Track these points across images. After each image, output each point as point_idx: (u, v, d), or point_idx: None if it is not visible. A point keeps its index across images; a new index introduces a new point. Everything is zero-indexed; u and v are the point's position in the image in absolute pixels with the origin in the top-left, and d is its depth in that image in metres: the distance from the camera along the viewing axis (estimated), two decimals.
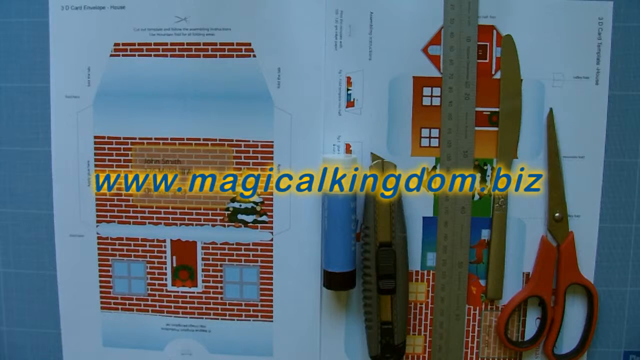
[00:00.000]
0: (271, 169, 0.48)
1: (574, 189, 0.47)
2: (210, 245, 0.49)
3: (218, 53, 0.47)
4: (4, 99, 0.50)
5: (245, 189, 0.49)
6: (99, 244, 0.50)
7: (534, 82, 0.46)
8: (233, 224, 0.49)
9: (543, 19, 0.46)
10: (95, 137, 0.49)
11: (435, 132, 0.47)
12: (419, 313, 0.49)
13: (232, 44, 0.47)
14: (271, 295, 0.49)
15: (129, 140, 0.49)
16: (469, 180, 0.47)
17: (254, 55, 0.47)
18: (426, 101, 0.47)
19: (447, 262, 0.48)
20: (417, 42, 0.46)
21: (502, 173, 0.47)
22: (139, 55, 0.48)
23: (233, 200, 0.49)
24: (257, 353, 0.50)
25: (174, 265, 0.50)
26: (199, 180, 0.49)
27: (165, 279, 0.50)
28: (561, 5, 0.46)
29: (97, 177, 0.49)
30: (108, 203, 0.50)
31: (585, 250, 0.48)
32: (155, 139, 0.49)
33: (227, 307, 0.50)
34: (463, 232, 0.47)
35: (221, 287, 0.50)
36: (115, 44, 0.48)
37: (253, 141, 0.48)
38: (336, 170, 0.45)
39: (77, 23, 0.48)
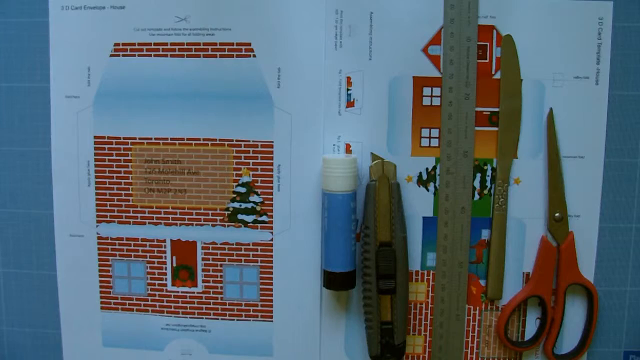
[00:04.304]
0: (271, 169, 0.48)
1: (574, 189, 0.47)
2: (210, 245, 0.49)
3: (218, 53, 0.47)
4: (4, 99, 0.50)
5: (245, 189, 0.49)
6: (99, 244, 0.50)
7: (534, 82, 0.46)
8: (233, 224, 0.49)
9: (543, 19, 0.46)
10: (95, 137, 0.49)
11: (435, 132, 0.47)
12: (419, 313, 0.49)
13: (232, 44, 0.47)
14: (271, 295, 0.49)
15: (129, 140, 0.49)
16: (469, 180, 0.47)
17: (254, 55, 0.47)
18: (426, 101, 0.47)
19: (447, 262, 0.48)
20: (417, 42, 0.46)
21: (502, 173, 0.47)
22: (139, 55, 0.48)
23: (233, 200, 0.49)
24: (257, 353, 0.50)
25: (174, 265, 0.50)
26: (199, 180, 0.49)
27: (165, 279, 0.50)
28: (561, 5, 0.46)
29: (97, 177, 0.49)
30: (108, 203, 0.50)
31: (585, 250, 0.48)
32: (155, 139, 0.49)
33: (227, 307, 0.50)
34: (463, 232, 0.47)
35: (221, 287, 0.50)
36: (115, 44, 0.48)
37: (253, 141, 0.48)
38: (336, 170, 0.45)
39: (77, 23, 0.48)
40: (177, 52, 0.47)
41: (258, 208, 0.49)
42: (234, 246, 0.49)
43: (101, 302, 0.51)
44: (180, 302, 0.50)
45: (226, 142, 0.48)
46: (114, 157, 0.49)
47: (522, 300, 0.48)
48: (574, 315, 0.48)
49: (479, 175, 0.47)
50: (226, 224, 0.49)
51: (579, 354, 0.48)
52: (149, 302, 0.51)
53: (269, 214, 0.49)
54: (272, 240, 0.49)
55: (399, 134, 0.47)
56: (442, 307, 0.48)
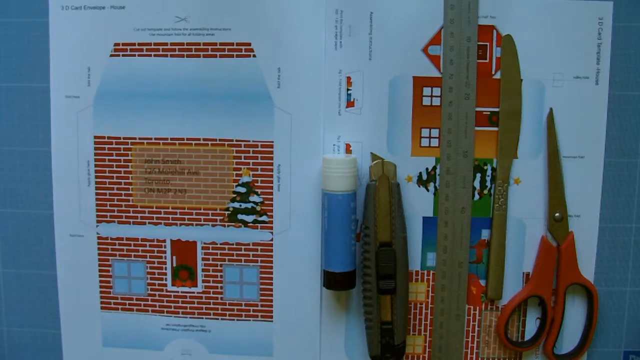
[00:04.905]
0: (271, 169, 0.48)
1: (574, 189, 0.47)
2: (210, 245, 0.49)
3: (218, 53, 0.47)
4: (4, 99, 0.50)
5: (245, 189, 0.49)
6: (99, 244, 0.50)
7: (534, 82, 0.46)
8: (233, 224, 0.49)
9: (543, 19, 0.46)
10: (95, 137, 0.49)
11: (435, 132, 0.47)
12: (419, 313, 0.49)
13: (232, 44, 0.47)
14: (271, 295, 0.49)
15: (129, 140, 0.49)
16: (469, 180, 0.47)
17: (254, 55, 0.47)
18: (426, 101, 0.47)
19: (447, 262, 0.48)
20: (417, 42, 0.46)
21: (502, 173, 0.47)
22: (139, 55, 0.48)
23: (233, 200, 0.49)
24: (257, 353, 0.50)
25: (174, 265, 0.50)
26: (199, 180, 0.49)
27: (165, 279, 0.50)
28: (561, 5, 0.46)
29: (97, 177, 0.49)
30: (108, 203, 0.50)
31: (585, 250, 0.48)
32: (155, 139, 0.49)
33: (227, 307, 0.50)
34: (463, 232, 0.47)
35: (221, 287, 0.50)
36: (115, 44, 0.48)
37: (253, 141, 0.48)
38: (336, 170, 0.45)
39: (77, 23, 0.48)
40: (177, 52, 0.47)
41: (258, 208, 0.49)
42: (234, 246, 0.49)
43: (101, 302, 0.51)
44: (180, 302, 0.50)
45: (226, 142, 0.48)
46: (114, 157, 0.49)
47: (522, 300, 0.48)
48: (574, 315, 0.48)
49: (479, 175, 0.47)
50: (226, 224, 0.49)
51: (579, 354, 0.48)
52: (149, 302, 0.51)
53: (269, 214, 0.49)
54: (272, 240, 0.49)
55: (399, 134, 0.47)
56: (442, 307, 0.48)
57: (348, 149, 0.47)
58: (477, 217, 0.48)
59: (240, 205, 0.49)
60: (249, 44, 0.47)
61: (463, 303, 0.48)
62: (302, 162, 0.48)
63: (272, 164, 0.48)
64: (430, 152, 0.47)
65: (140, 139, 0.49)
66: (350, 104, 0.47)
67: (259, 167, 0.48)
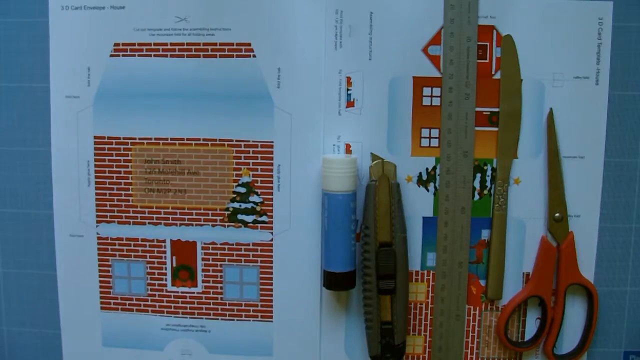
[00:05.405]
0: (271, 169, 0.48)
1: (574, 189, 0.47)
2: (210, 245, 0.49)
3: (218, 53, 0.47)
4: (4, 99, 0.50)
5: (245, 189, 0.49)
6: (99, 244, 0.50)
7: (534, 82, 0.46)
8: (233, 224, 0.49)
9: (543, 19, 0.46)
10: (95, 137, 0.49)
11: (435, 132, 0.47)
12: (419, 313, 0.49)
13: (232, 44, 0.47)
14: (271, 295, 0.49)
15: (129, 140, 0.49)
16: (469, 180, 0.47)
17: (254, 55, 0.47)
18: (426, 101, 0.47)
19: (447, 262, 0.48)
20: (417, 42, 0.46)
21: (502, 173, 0.47)
22: (139, 55, 0.48)
23: (233, 200, 0.49)
24: (257, 353, 0.50)
25: (174, 265, 0.50)
26: (199, 181, 0.49)
27: (165, 279, 0.50)
28: (561, 5, 0.46)
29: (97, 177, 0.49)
30: (108, 203, 0.50)
31: (585, 250, 0.48)
32: (155, 139, 0.49)
33: (227, 307, 0.50)
34: (463, 232, 0.47)
35: (221, 287, 0.50)
36: (115, 44, 0.48)
37: (253, 141, 0.48)
38: (336, 170, 0.45)
39: (77, 23, 0.48)
40: (177, 52, 0.47)
41: (258, 208, 0.49)
42: (234, 246, 0.49)
43: (101, 302, 0.51)
44: (180, 302, 0.50)
45: (226, 142, 0.48)
46: (114, 157, 0.49)
47: (522, 300, 0.48)
48: (574, 315, 0.48)
49: (479, 175, 0.47)
50: (226, 224, 0.49)
51: (579, 354, 0.48)
52: (149, 302, 0.51)
53: (269, 214, 0.49)
54: (272, 240, 0.49)
55: (399, 134, 0.47)
56: (442, 307, 0.48)
57: (348, 149, 0.47)
58: (477, 217, 0.48)
59: (240, 206, 0.49)
60: (249, 44, 0.47)
61: (463, 303, 0.48)
62: (302, 162, 0.48)
63: (272, 164, 0.48)
64: (430, 152, 0.47)
65: (140, 139, 0.49)
66: (350, 104, 0.47)
67: (259, 167, 0.48)
